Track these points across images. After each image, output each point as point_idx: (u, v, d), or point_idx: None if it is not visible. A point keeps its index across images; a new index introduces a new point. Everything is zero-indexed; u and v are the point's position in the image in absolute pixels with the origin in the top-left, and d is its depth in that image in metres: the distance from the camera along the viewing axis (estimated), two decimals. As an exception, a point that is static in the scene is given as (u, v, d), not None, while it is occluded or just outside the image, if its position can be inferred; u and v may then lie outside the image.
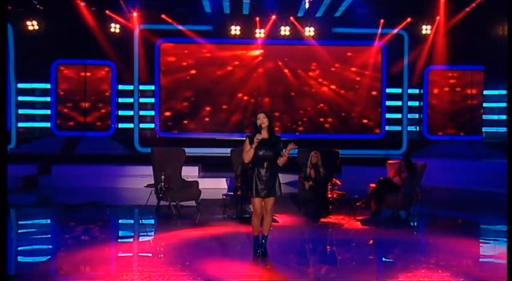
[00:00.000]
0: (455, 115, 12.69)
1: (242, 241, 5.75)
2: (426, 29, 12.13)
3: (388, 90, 12.73)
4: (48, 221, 6.98)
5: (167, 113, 12.81)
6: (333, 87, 12.79)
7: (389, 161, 8.21)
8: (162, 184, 6.96)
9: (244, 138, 4.88)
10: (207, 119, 12.82)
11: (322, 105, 12.79)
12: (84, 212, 7.57)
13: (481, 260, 5.28)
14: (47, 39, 11.81)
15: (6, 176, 3.34)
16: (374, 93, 12.80)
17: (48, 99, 12.40)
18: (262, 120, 4.81)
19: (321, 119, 12.81)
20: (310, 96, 12.81)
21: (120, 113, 12.72)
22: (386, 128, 12.76)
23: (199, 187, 7.74)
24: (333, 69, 12.75)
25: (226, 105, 12.79)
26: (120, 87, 12.69)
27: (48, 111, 12.40)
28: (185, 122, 12.81)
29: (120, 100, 12.70)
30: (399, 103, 12.73)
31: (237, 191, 6.95)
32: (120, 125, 12.71)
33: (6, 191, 3.37)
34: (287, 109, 12.76)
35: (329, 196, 7.00)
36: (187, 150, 8.11)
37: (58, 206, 8.11)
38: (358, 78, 12.79)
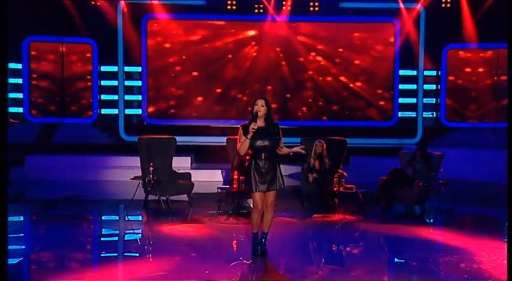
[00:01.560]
0: (478, 99, 12.61)
1: (239, 238, 5.77)
2: (446, 3, 12.03)
3: (401, 72, 12.67)
4: (21, 218, 6.95)
5: (156, 98, 12.76)
6: (339, 69, 12.73)
7: (402, 151, 8.20)
8: (151, 176, 6.96)
9: (239, 130, 4.86)
10: (200, 104, 12.78)
11: (327, 89, 12.75)
12: (62, 208, 7.57)
13: (505, 262, 5.29)
14: (16, 12, 11.66)
15: (6, 175, 3.47)
16: (385, 75, 12.75)
17: (20, 81, 12.29)
18: (260, 107, 4.79)
19: (327, 105, 12.79)
20: (315, 80, 12.76)
21: (103, 97, 12.66)
22: (399, 114, 12.74)
23: (192, 179, 7.76)
24: (340, 50, 12.68)
25: (222, 89, 12.74)
26: (103, 68, 12.60)
27: (20, 95, 12.31)
28: (176, 107, 12.77)
29: (103, 83, 12.63)
30: (414, 86, 12.68)
31: (234, 184, 6.96)
32: (103, 111, 12.66)
33: (6, 190, 3.50)
34: (289, 93, 12.72)
35: (335, 189, 7.01)
36: (178, 139, 8.11)
37: (32, 201, 8.11)
38: (367, 59, 12.73)
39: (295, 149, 4.93)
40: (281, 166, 4.94)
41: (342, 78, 12.74)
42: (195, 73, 12.74)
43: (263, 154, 4.80)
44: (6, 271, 3.46)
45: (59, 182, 9.61)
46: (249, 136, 4.72)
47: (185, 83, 12.76)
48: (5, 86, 3.48)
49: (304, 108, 12.79)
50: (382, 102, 12.80)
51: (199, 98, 12.80)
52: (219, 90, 12.74)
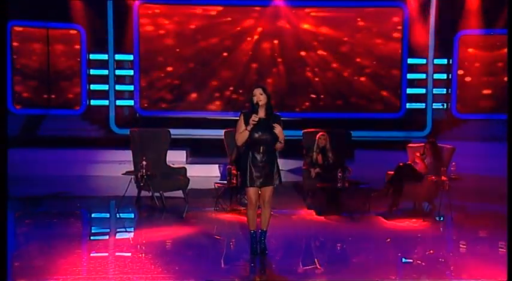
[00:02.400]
0: (492, 90, 12.57)
1: (237, 237, 5.76)
2: (458, -16, 11.97)
3: (409, 60, 12.63)
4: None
5: (150, 88, 12.72)
6: (343, 58, 12.68)
7: (411, 145, 8.17)
8: (144, 171, 6.95)
9: (239, 116, 4.82)
10: (196, 95, 12.75)
11: (330, 79, 12.71)
12: (48, 205, 7.56)
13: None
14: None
15: (6, 174, 3.60)
16: (393, 64, 12.70)
17: (1, 69, 12.24)
18: (259, 97, 4.75)
19: (330, 96, 12.75)
20: (317, 69, 12.72)
21: (93, 87, 12.61)
22: (408, 105, 12.71)
23: (188, 174, 7.75)
24: (345, 38, 12.62)
25: (220, 79, 12.70)
26: (92, 56, 12.54)
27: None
28: (171, 98, 12.73)
29: (92, 72, 12.57)
30: (423, 76, 12.64)
31: (232, 179, 6.95)
32: (93, 102, 12.61)
33: (6, 189, 3.60)
34: (290, 83, 12.69)
35: (339, 185, 7.00)
36: (173, 131, 8.09)
37: (16, 198, 8.07)
38: (373, 47, 12.68)
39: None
40: (281, 160, 4.93)
41: (346, 67, 12.69)
42: (191, 62, 12.69)
43: (261, 147, 4.78)
44: (6, 271, 3.53)
45: (45, 177, 9.59)
46: (249, 128, 4.70)
47: (181, 72, 12.72)
48: (4, 86, 3.65)
49: (305, 99, 12.75)
50: (388, 93, 12.77)
51: (196, 89, 12.75)
52: (216, 81, 12.70)
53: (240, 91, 12.53)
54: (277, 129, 4.75)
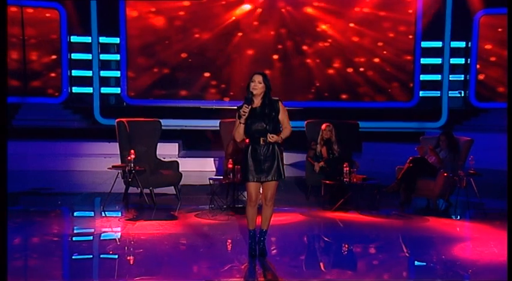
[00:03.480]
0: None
1: (235, 237, 5.77)
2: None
3: (423, 44, 12.57)
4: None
5: (138, 75, 12.69)
6: (352, 41, 12.64)
7: (424, 137, 8.17)
8: (132, 165, 6.95)
9: (236, 109, 4.82)
10: (190, 82, 12.73)
11: (336, 64, 12.68)
12: (26, 203, 7.56)
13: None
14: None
15: (6, 174, 3.76)
16: (405, 47, 12.66)
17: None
18: (256, 85, 4.73)
19: (336, 83, 12.73)
20: (322, 53, 12.69)
21: (75, 73, 12.56)
22: (421, 93, 12.70)
23: (180, 169, 7.74)
24: (351, 25, 12.56)
25: (215, 65, 12.67)
26: (74, 39, 12.46)
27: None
28: (162, 86, 12.72)
29: (74, 56, 12.51)
30: (438, 61, 12.60)
31: (228, 174, 6.94)
32: (75, 90, 12.58)
33: (6, 190, 3.77)
34: (293, 70, 12.66)
35: (345, 180, 7.00)
36: (164, 122, 8.13)
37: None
38: (385, 30, 12.64)
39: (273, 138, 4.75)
40: (283, 153, 4.91)
41: (353, 52, 12.65)
42: (183, 45, 12.63)
43: (261, 139, 4.77)
44: (6, 271, 3.64)
45: (22, 173, 9.55)
46: (242, 121, 4.68)
47: (173, 57, 12.68)
48: (4, 86, 3.83)
49: (309, 87, 12.73)
50: (400, 80, 12.75)
51: (189, 75, 12.72)
52: (211, 67, 12.67)
53: (237, 79, 12.50)
54: (273, 138, 4.70)
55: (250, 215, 4.94)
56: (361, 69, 12.72)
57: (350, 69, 12.73)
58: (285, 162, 4.98)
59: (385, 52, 12.69)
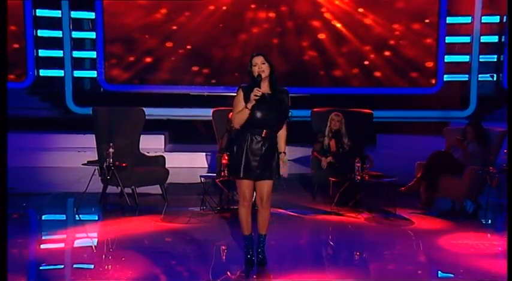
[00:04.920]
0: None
1: (229, 243, 5.79)
2: None
3: (449, 19, 12.53)
4: None
5: (118, 55, 12.66)
6: (364, 14, 12.61)
7: (449, 128, 8.17)
8: (111, 160, 6.95)
9: (236, 92, 4.80)
10: (178, 65, 12.70)
11: (347, 44, 12.66)
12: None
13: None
14: None
15: (6, 174, 3.98)
16: (427, 23, 12.62)
17: None
18: (261, 66, 4.73)
19: (346, 66, 12.72)
20: (331, 30, 12.66)
21: (42, 53, 12.50)
22: (445, 77, 12.69)
23: (167, 165, 7.74)
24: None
25: (207, 44, 12.63)
26: (40, 12, 12.39)
27: None
28: (146, 68, 12.69)
29: (41, 33, 12.44)
30: (467, 39, 12.56)
31: (222, 171, 6.94)
32: (42, 73, 12.53)
33: (6, 190, 3.98)
34: (298, 52, 12.64)
35: (357, 178, 7.01)
36: (148, 111, 8.10)
37: None
38: (403, 2, 12.61)
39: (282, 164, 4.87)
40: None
41: (369, 28, 12.62)
42: (171, 21, 12.59)
43: (264, 131, 4.77)
44: (6, 271, 3.82)
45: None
46: (249, 106, 4.66)
47: (158, 35, 12.64)
48: (4, 85, 4.12)
49: (317, 70, 12.72)
50: (421, 62, 12.73)
51: (177, 57, 12.69)
52: (202, 46, 12.63)
53: (235, 58, 12.49)
54: (283, 169, 4.85)
55: (244, 217, 4.93)
56: (376, 49, 12.68)
57: (363, 50, 12.70)
58: (288, 157, 4.98)
59: (403, 29, 12.64)
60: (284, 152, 4.88)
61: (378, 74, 12.75)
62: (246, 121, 4.74)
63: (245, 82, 4.82)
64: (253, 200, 5.06)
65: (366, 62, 12.74)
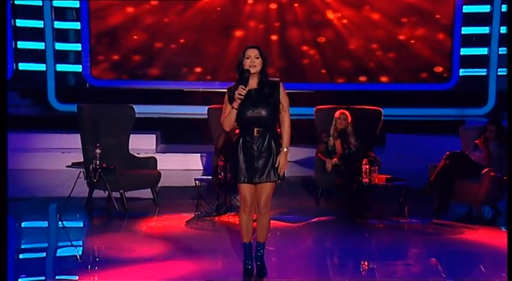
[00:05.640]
0: None
1: (226, 251, 5.77)
2: None
3: (466, 8, 12.50)
4: None
5: (105, 48, 12.65)
6: (372, 8, 12.61)
7: (465, 127, 8.16)
8: (97, 162, 6.94)
9: (225, 92, 4.83)
10: (171, 58, 12.69)
11: (353, 37, 12.66)
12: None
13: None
14: None
15: (6, 175, 4.15)
16: (442, 13, 12.61)
17: None
18: (253, 60, 4.74)
19: (353, 60, 12.71)
20: (336, 23, 12.67)
21: (21, 45, 12.48)
22: (461, 71, 12.68)
23: (158, 167, 7.74)
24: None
25: (202, 36, 12.63)
26: (18, 1, 12.35)
27: None
28: (135, 62, 12.68)
29: (20, 23, 12.42)
30: (485, 30, 12.55)
31: (219, 173, 6.94)
32: (22, 66, 12.51)
33: (6, 190, 4.13)
34: (300, 45, 12.65)
35: (365, 181, 7.01)
36: (138, 108, 8.09)
37: None
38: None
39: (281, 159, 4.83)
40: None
41: (376, 21, 12.63)
42: (163, 13, 12.58)
43: (255, 129, 4.77)
44: (6, 271, 3.97)
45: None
46: (235, 105, 4.67)
47: (148, 26, 12.63)
48: (4, 85, 4.40)
49: (319, 65, 12.72)
50: (434, 55, 12.72)
51: (170, 50, 12.68)
52: (196, 39, 12.63)
53: (229, 57, 12.48)
54: (280, 167, 4.78)
55: (245, 224, 4.94)
56: (385, 41, 12.67)
57: (371, 42, 12.70)
58: (289, 159, 4.98)
59: (415, 18, 12.63)
60: (285, 149, 4.82)
61: (387, 68, 12.75)
62: (236, 122, 4.75)
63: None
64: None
65: (374, 56, 12.73)
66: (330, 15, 12.59)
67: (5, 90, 4.36)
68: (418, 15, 12.61)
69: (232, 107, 4.71)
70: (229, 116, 4.75)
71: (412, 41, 12.69)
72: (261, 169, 4.80)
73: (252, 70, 4.72)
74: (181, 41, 12.67)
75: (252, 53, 4.76)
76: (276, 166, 4.78)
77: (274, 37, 12.63)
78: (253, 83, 4.77)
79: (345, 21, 12.60)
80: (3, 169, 4.10)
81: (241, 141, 4.80)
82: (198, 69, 12.78)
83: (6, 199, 4.15)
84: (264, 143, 4.80)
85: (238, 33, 12.60)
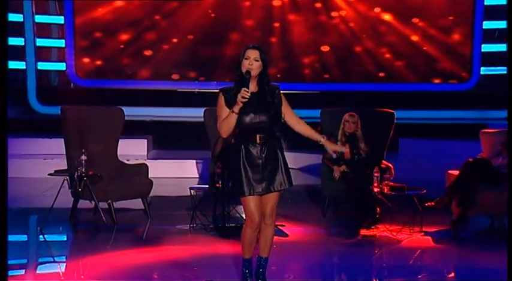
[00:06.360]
0: None
1: (225, 268, 5.76)
2: None
3: (487, 0, 12.52)
4: None
5: (91, 44, 12.67)
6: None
7: (486, 130, 8.15)
8: (83, 169, 6.94)
9: (217, 97, 4.81)
10: (163, 56, 12.71)
11: (364, 34, 12.69)
12: None
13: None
14: None
15: (6, 176, 4.28)
16: (459, 5, 12.63)
17: None
18: (252, 62, 4.73)
19: (361, 57, 12.74)
20: (344, 16, 12.71)
21: None
22: (482, 70, 12.69)
23: (150, 175, 7.75)
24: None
25: (198, 33, 12.66)
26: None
27: None
28: (125, 61, 12.70)
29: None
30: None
31: (216, 182, 6.94)
32: None
33: (6, 190, 4.27)
34: (306, 43, 12.68)
35: (376, 190, 7.01)
36: (127, 110, 8.10)
37: None
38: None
39: (332, 147, 4.90)
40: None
41: (387, 16, 12.67)
42: (155, 8, 12.63)
43: (258, 136, 4.77)
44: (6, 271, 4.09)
45: None
46: (237, 109, 4.67)
47: (138, 21, 12.66)
48: (4, 85, 4.40)
49: (329, 63, 12.75)
50: (452, 52, 12.74)
51: (162, 47, 12.71)
52: (191, 36, 12.67)
53: (228, 53, 12.53)
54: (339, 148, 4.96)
55: (248, 239, 4.92)
56: (398, 36, 12.69)
57: (383, 36, 12.72)
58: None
59: (432, 10, 12.65)
60: (322, 139, 4.85)
61: (400, 66, 12.76)
62: (235, 129, 4.74)
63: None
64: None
65: (386, 53, 12.75)
66: (336, 13, 12.64)
67: (5, 91, 4.39)
68: (435, 7, 12.62)
69: (233, 111, 4.69)
70: (228, 121, 4.72)
71: (427, 36, 12.69)
72: (269, 178, 4.80)
73: (252, 73, 4.72)
74: (174, 40, 12.68)
75: (252, 54, 4.75)
76: (284, 171, 4.80)
77: (276, 35, 12.67)
78: (253, 86, 4.78)
79: (354, 16, 12.63)
80: (3, 170, 4.21)
81: (243, 150, 4.80)
82: (194, 68, 12.79)
83: (6, 200, 4.26)
84: (268, 150, 4.80)
85: (238, 30, 12.62)
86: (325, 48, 12.72)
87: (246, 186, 4.78)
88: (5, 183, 4.22)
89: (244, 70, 4.71)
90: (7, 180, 4.25)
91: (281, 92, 4.84)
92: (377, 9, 12.62)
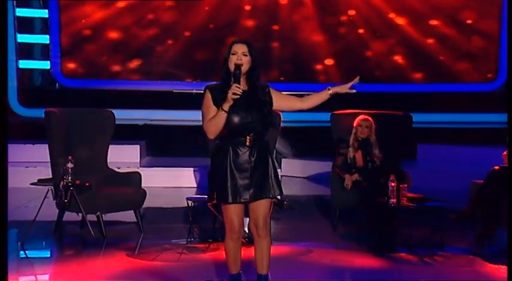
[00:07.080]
0: None
1: (224, 268, 5.76)
2: None
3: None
4: None
5: (77, 40, 12.71)
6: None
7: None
8: (69, 178, 6.95)
9: (203, 95, 4.84)
10: (158, 54, 12.76)
11: (378, 31, 12.74)
12: None
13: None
14: None
15: (6, 176, 4.47)
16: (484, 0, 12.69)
17: None
18: (240, 57, 4.76)
19: (375, 57, 12.78)
20: (357, 14, 12.76)
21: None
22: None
23: (143, 184, 7.77)
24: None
25: (194, 30, 12.71)
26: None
27: None
28: (115, 59, 12.75)
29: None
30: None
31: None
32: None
33: (6, 191, 4.44)
34: (314, 39, 12.73)
35: (391, 202, 7.01)
36: (118, 114, 8.14)
37: None
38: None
39: (345, 86, 5.00)
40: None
41: (407, 5, 12.71)
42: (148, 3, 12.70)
43: (248, 138, 4.78)
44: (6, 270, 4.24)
45: None
46: (226, 107, 4.68)
47: (131, 15, 12.71)
48: (4, 84, 4.62)
49: (336, 62, 12.80)
50: (476, 51, 12.76)
51: (156, 44, 12.76)
52: (188, 33, 12.71)
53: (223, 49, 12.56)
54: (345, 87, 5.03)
55: (232, 252, 4.94)
56: (416, 31, 12.73)
57: (399, 33, 12.76)
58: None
59: (452, 5, 12.69)
60: (327, 89, 5.01)
61: (418, 65, 12.79)
62: (223, 129, 4.75)
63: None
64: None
65: (403, 50, 12.78)
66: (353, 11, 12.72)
67: (5, 92, 4.41)
68: (457, 5, 12.67)
69: (222, 109, 4.70)
70: (216, 121, 4.73)
71: (449, 31, 12.71)
72: (258, 184, 4.80)
73: (242, 68, 4.74)
74: (172, 33, 12.73)
75: (240, 49, 4.78)
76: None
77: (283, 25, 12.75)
78: (243, 84, 4.78)
79: (368, 14, 12.69)
80: (3, 170, 4.37)
81: (230, 153, 4.80)
82: (190, 67, 12.82)
83: (6, 200, 4.39)
84: (258, 153, 4.81)
85: (238, 30, 12.68)
86: (335, 46, 12.75)
87: (231, 193, 4.78)
88: (5, 184, 4.36)
89: (231, 66, 4.74)
90: (7, 181, 4.35)
91: (272, 89, 4.90)
92: (394, 6, 12.66)
